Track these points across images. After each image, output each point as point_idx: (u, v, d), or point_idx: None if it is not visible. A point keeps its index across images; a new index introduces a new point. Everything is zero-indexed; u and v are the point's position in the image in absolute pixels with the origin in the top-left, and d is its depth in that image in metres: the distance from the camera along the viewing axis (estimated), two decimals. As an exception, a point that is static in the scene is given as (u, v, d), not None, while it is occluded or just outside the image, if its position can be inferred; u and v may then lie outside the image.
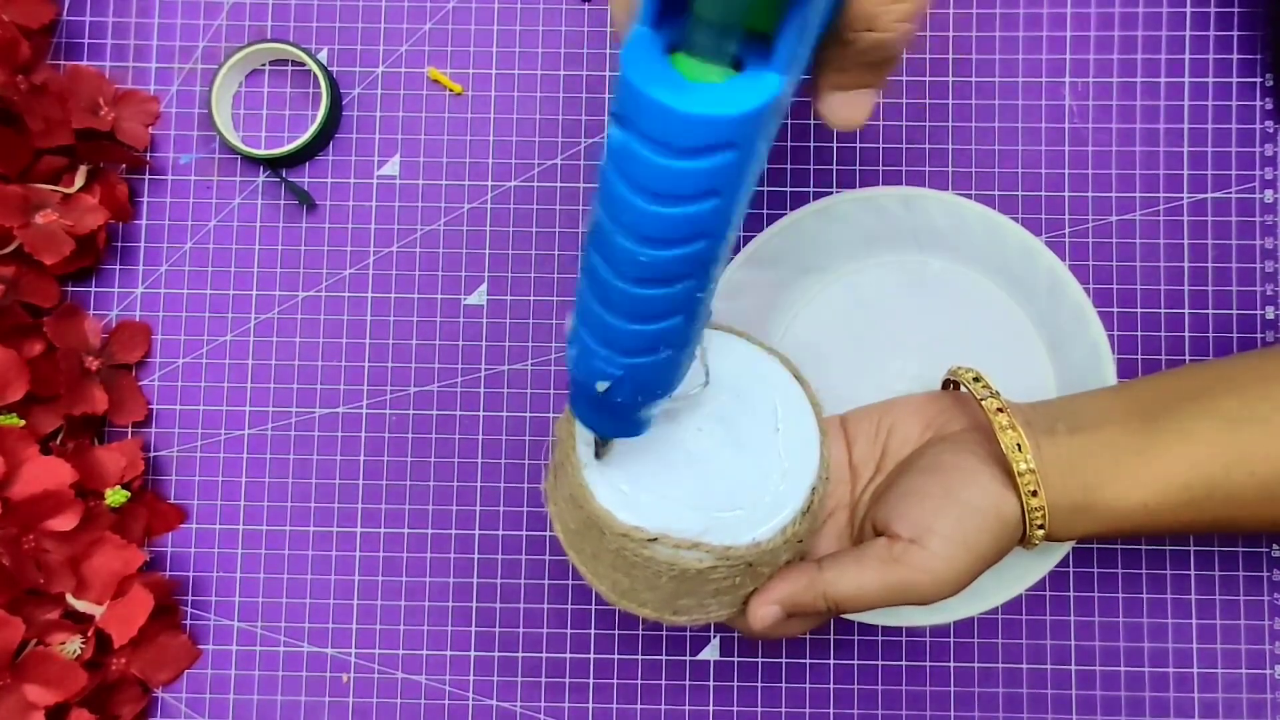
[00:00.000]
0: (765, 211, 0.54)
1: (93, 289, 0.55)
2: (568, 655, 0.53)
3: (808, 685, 0.53)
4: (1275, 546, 0.53)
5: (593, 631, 0.53)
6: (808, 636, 0.53)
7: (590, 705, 0.53)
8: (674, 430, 0.39)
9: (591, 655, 0.53)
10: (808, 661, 0.53)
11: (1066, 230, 0.54)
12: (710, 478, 0.39)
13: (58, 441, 0.52)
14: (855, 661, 0.53)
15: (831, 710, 0.53)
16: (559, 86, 0.55)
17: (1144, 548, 0.53)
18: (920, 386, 0.50)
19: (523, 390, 0.54)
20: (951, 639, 0.53)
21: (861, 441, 0.45)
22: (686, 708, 0.53)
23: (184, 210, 0.55)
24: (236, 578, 0.54)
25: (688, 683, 0.53)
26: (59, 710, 0.48)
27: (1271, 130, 0.54)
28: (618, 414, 0.35)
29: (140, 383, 0.54)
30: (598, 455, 0.38)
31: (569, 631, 0.53)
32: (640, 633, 0.53)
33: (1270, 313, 0.53)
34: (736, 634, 0.53)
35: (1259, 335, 0.53)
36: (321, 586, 0.54)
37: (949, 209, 0.50)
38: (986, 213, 0.50)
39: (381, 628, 0.54)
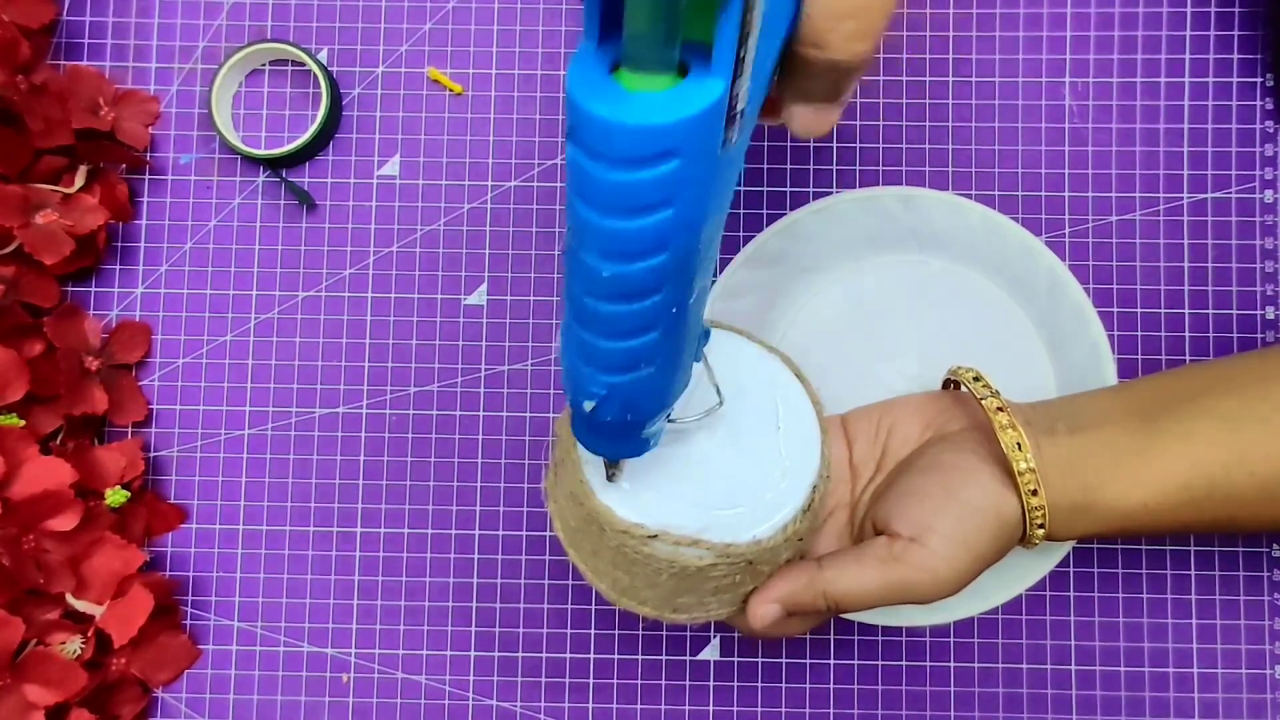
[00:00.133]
0: (765, 211, 0.54)
1: (93, 289, 0.55)
2: (568, 655, 0.53)
3: (808, 685, 0.53)
4: (1275, 546, 0.53)
5: (593, 631, 0.53)
6: (808, 636, 0.53)
7: (590, 705, 0.53)
8: (676, 429, 0.39)
9: (591, 655, 0.53)
10: (808, 661, 0.53)
11: (1066, 230, 0.54)
12: (711, 475, 0.39)
13: (58, 441, 0.52)
14: (855, 661, 0.53)
15: (831, 710, 0.53)
16: (559, 86, 0.55)
17: (1144, 548, 0.53)
18: (920, 386, 0.50)
19: (523, 390, 0.54)
20: (951, 639, 0.53)
21: (861, 441, 0.45)
22: (686, 708, 0.53)
23: (184, 210, 0.55)
24: (236, 578, 0.54)
25: (688, 683, 0.53)
26: (59, 710, 0.48)
27: (1271, 130, 0.54)
28: (615, 434, 0.35)
29: (140, 383, 0.54)
30: (609, 478, 0.38)
31: (569, 631, 0.53)
32: (640, 633, 0.53)
33: (1270, 313, 0.53)
34: (736, 634, 0.53)
35: (1259, 335, 0.53)
36: (321, 586, 0.54)
37: (949, 209, 0.50)
38: (986, 213, 0.50)
39: (381, 628, 0.54)
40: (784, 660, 0.53)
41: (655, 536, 0.37)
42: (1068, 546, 0.49)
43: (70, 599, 0.49)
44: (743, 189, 0.54)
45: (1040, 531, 0.40)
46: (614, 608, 0.53)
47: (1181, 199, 0.54)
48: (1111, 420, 0.41)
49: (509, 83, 0.55)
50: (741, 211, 0.54)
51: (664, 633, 0.53)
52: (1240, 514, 0.40)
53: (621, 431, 0.35)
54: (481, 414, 0.54)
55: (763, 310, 0.51)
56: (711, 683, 0.53)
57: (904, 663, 0.53)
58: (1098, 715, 0.52)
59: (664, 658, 0.53)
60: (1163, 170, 0.54)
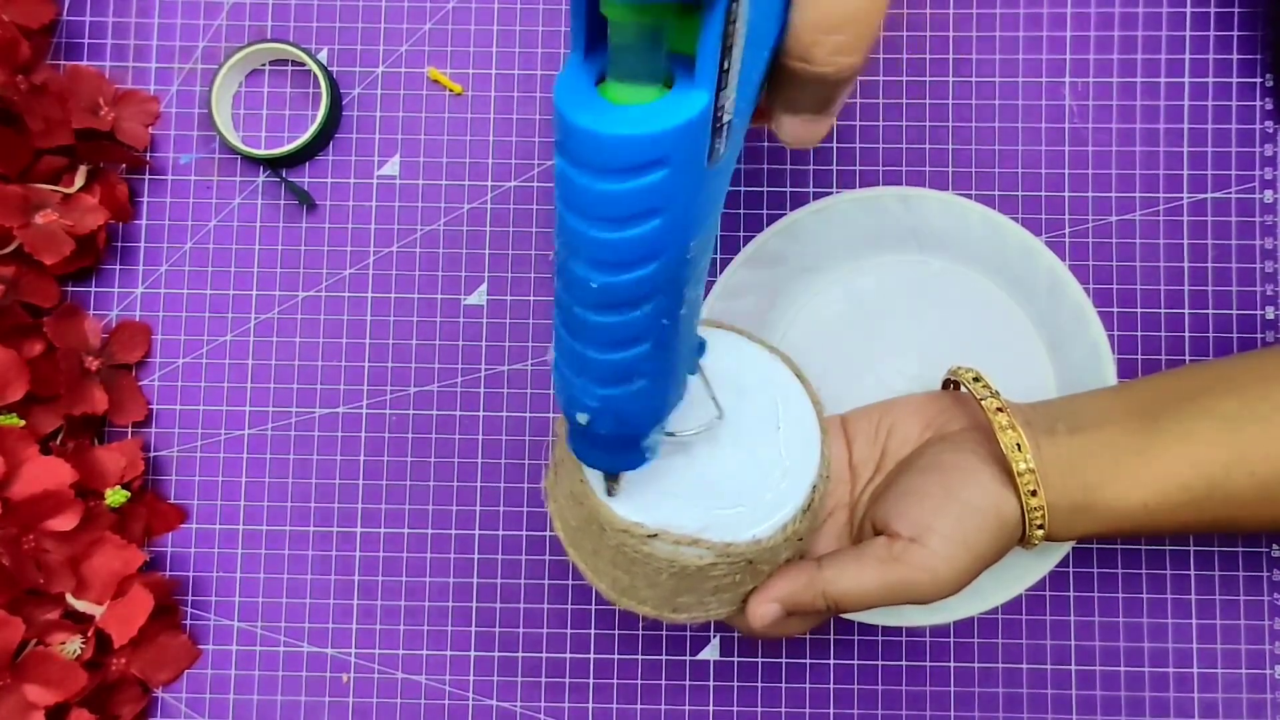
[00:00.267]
0: (765, 212, 0.54)
1: (93, 289, 0.55)
2: (568, 655, 0.53)
3: (808, 685, 0.53)
4: (1275, 546, 0.53)
5: (593, 631, 0.53)
6: (808, 636, 0.53)
7: (590, 705, 0.53)
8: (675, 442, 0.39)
9: (591, 655, 0.53)
10: (808, 661, 0.53)
11: (1066, 230, 0.54)
12: (711, 475, 0.39)
13: (58, 441, 0.52)
14: (855, 661, 0.53)
15: (831, 710, 0.53)
16: (559, 86, 0.55)
17: (1144, 548, 0.53)
18: (920, 386, 0.50)
19: (523, 390, 0.54)
20: (951, 639, 0.53)
21: (861, 441, 0.45)
22: (686, 708, 0.53)
23: (184, 210, 0.55)
24: (236, 578, 0.54)
25: (688, 683, 0.53)
26: (59, 710, 0.48)
27: (1271, 130, 0.54)
28: (611, 448, 0.35)
29: (140, 383, 0.54)
30: (610, 492, 0.38)
31: (569, 631, 0.53)
32: (640, 633, 0.53)
33: (1270, 313, 0.53)
34: (736, 634, 0.53)
35: (1259, 335, 0.53)
36: (321, 586, 0.54)
37: (949, 209, 0.50)
38: (986, 213, 0.50)
39: (381, 628, 0.54)
40: (784, 660, 0.53)
41: (655, 535, 0.37)
42: (1067, 547, 0.49)
43: (70, 599, 0.49)
44: (742, 189, 0.54)
45: (1040, 532, 0.40)
46: (614, 608, 0.53)
47: (1181, 199, 0.54)
48: (1111, 420, 0.41)
49: (509, 83, 0.55)
50: (741, 211, 0.54)
51: (664, 633, 0.53)
52: (1240, 514, 0.40)
53: (618, 444, 0.35)
54: (481, 414, 0.54)
55: (763, 310, 0.51)
56: (711, 683, 0.53)
57: (904, 663, 0.53)
58: (1098, 715, 0.52)
59: (664, 658, 0.53)
60: (1163, 170, 0.54)
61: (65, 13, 0.55)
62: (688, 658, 0.53)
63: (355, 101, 0.55)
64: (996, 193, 0.54)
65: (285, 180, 0.55)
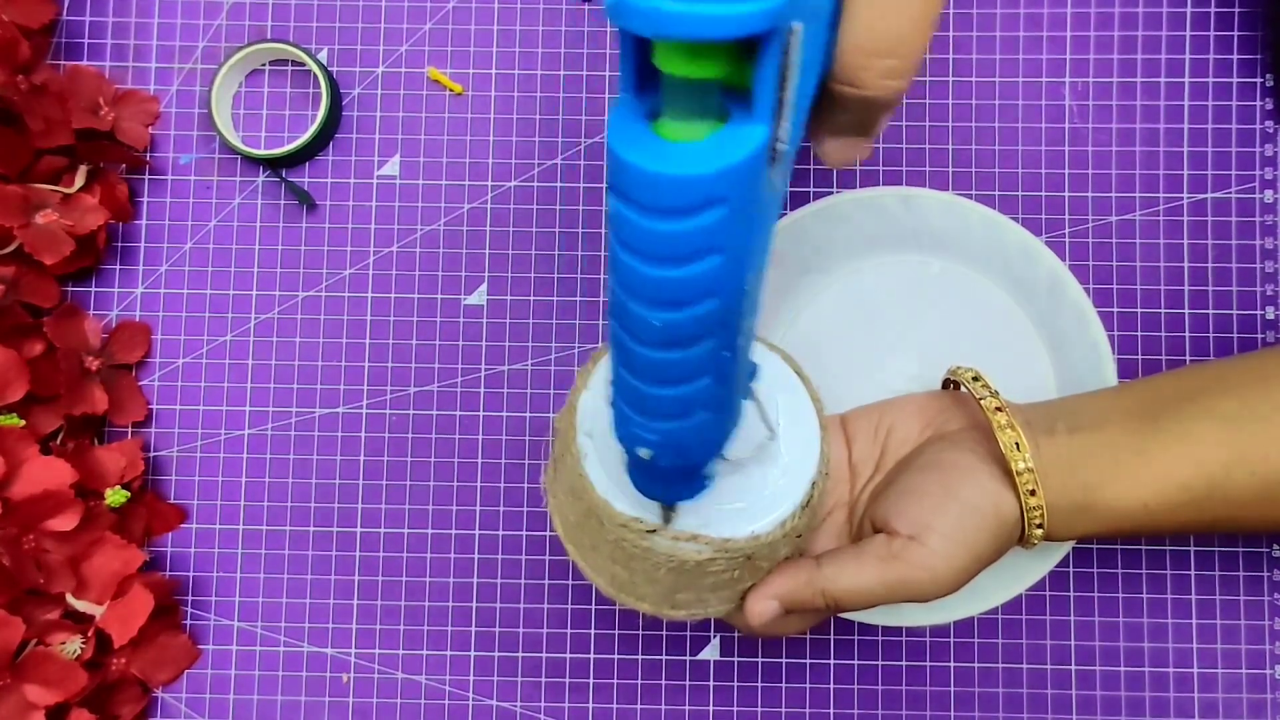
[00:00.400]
0: (765, 211, 0.54)
1: (93, 289, 0.55)
2: (568, 655, 0.53)
3: (808, 685, 0.53)
4: (1275, 546, 0.53)
5: (593, 631, 0.53)
6: (808, 636, 0.53)
7: (590, 705, 0.53)
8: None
9: (591, 655, 0.53)
10: (808, 661, 0.53)
11: (1066, 230, 0.54)
12: (711, 471, 0.38)
13: (58, 441, 0.52)
14: (855, 661, 0.53)
15: (831, 710, 0.53)
16: (559, 86, 0.55)
17: (1144, 548, 0.53)
18: (920, 386, 0.50)
19: (523, 390, 0.54)
20: (951, 639, 0.53)
21: (861, 440, 0.45)
22: (686, 708, 0.53)
23: (184, 210, 0.55)
24: (236, 578, 0.54)
25: (688, 683, 0.53)
26: (59, 710, 0.48)
27: (1271, 130, 0.54)
28: (672, 479, 0.35)
29: (140, 383, 0.54)
30: (667, 520, 0.37)
31: (569, 631, 0.53)
32: (640, 632, 0.53)
33: (1270, 313, 0.53)
34: (736, 634, 0.53)
35: (1259, 335, 0.53)
36: (321, 586, 0.54)
37: (949, 209, 0.50)
38: (986, 213, 0.50)
39: (381, 628, 0.54)
40: (784, 660, 0.53)
41: (654, 530, 0.37)
42: (1067, 547, 0.49)
43: (70, 599, 0.49)
44: (743, 189, 0.54)
45: (1039, 531, 0.40)
46: (614, 607, 0.53)
47: (1181, 199, 0.54)
48: (1111, 420, 0.41)
49: (509, 83, 0.55)
50: (741, 211, 0.54)
51: (664, 632, 0.53)
52: (1240, 514, 0.40)
53: (678, 476, 0.35)
54: (481, 414, 0.54)
55: (763, 310, 0.51)
56: (711, 683, 0.53)
57: (904, 663, 0.53)
58: (1098, 715, 0.52)
59: (664, 657, 0.53)
60: (1163, 170, 0.54)
61: (65, 13, 0.55)
62: (688, 658, 0.53)
63: (355, 101, 0.55)
64: (996, 193, 0.54)
65: (285, 180, 0.55)
